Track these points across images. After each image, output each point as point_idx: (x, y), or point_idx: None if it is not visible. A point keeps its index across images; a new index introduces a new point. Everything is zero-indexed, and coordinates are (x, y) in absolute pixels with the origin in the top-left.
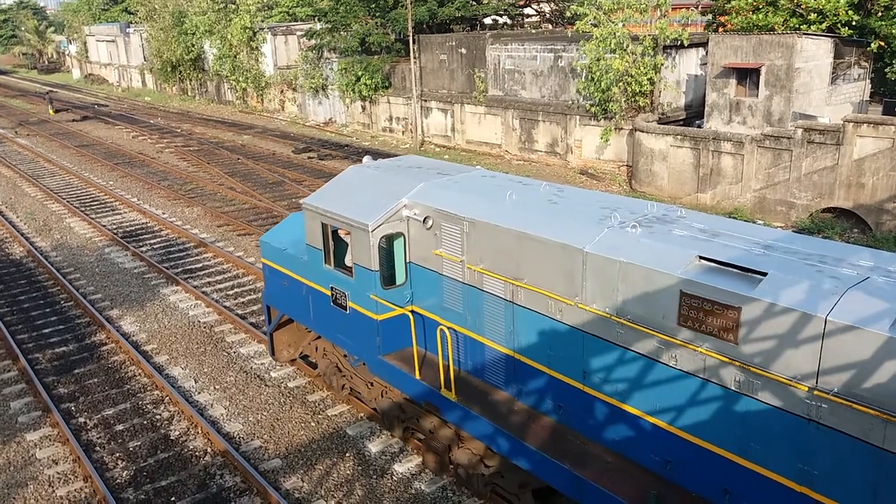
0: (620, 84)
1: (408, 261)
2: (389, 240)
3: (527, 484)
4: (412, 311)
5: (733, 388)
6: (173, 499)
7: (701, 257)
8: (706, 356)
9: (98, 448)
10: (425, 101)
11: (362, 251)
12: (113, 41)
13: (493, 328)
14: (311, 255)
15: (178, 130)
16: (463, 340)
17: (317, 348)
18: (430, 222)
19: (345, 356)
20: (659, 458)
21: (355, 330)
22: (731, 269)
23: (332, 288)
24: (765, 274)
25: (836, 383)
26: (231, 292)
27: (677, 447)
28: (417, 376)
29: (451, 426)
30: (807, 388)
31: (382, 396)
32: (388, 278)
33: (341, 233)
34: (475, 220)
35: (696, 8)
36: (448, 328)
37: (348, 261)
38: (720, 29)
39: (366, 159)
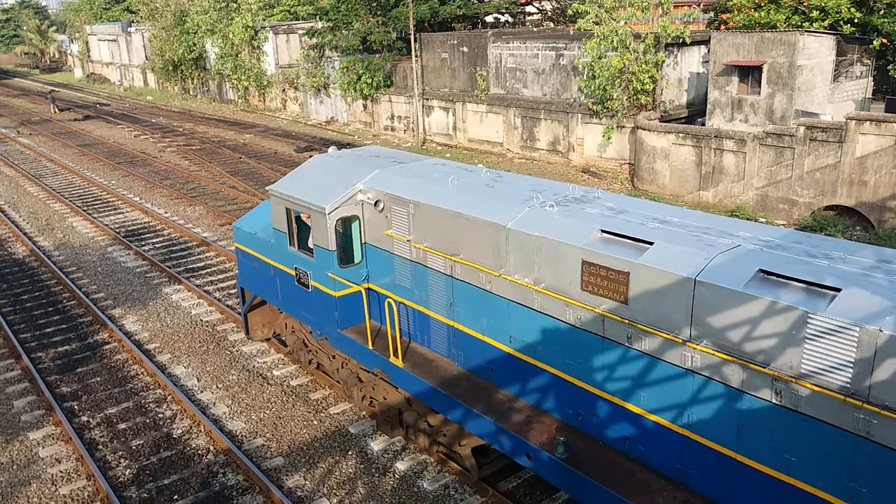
0: (620, 81)
1: (363, 242)
2: (346, 222)
3: (466, 441)
4: (368, 288)
5: (626, 344)
6: (176, 497)
7: (602, 230)
8: (604, 317)
9: (101, 447)
10: (427, 99)
11: (321, 233)
12: (115, 40)
13: (436, 301)
14: (278, 238)
15: (180, 129)
16: (412, 313)
17: (286, 326)
18: (381, 205)
19: (310, 332)
20: (571, 410)
21: (317, 306)
22: (625, 239)
23: (296, 268)
24: (652, 243)
25: (704, 335)
26: (233, 291)
27: (585, 400)
28: (370, 346)
29: (401, 391)
30: (682, 341)
31: (343, 367)
32: (345, 258)
33: (303, 216)
34: (419, 203)
35: (699, 5)
36: (398, 302)
37: (310, 242)
38: (722, 26)
39: (331, 149)
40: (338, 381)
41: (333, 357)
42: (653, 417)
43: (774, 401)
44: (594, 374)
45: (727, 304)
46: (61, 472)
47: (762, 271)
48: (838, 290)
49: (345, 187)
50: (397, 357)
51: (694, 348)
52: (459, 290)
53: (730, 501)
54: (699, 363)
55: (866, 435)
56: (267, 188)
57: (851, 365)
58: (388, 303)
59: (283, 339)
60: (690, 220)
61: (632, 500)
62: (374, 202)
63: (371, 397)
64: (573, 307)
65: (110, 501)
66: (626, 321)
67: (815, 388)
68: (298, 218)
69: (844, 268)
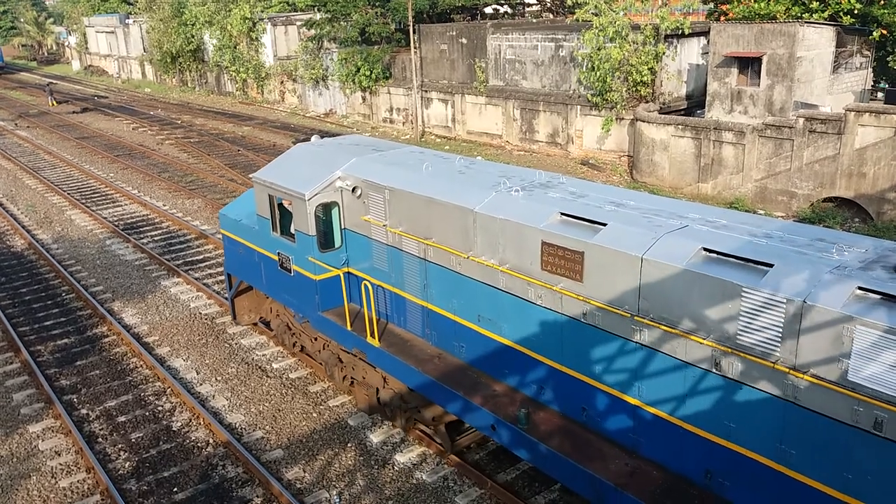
0: (620, 73)
1: (343, 227)
2: (326, 208)
3: (440, 417)
4: (347, 272)
5: (582, 319)
6: (175, 489)
7: (562, 213)
8: (561, 294)
9: (100, 439)
10: (426, 91)
11: (301, 218)
12: (112, 32)
13: (411, 283)
14: (261, 224)
15: (179, 122)
16: (389, 296)
17: (271, 310)
18: (358, 191)
19: (294, 316)
20: (535, 385)
21: (299, 290)
22: (582, 221)
23: (278, 253)
24: (605, 224)
25: (651, 310)
26: None
27: (547, 375)
28: (349, 328)
29: (378, 370)
30: (629, 315)
31: (324, 349)
32: (325, 242)
33: (285, 203)
34: (394, 189)
35: None
36: (375, 285)
37: (292, 228)
38: (722, 18)
39: (314, 138)
40: (320, 363)
41: (315, 339)
42: (607, 389)
43: (714, 371)
44: (554, 351)
45: (671, 280)
46: (61, 464)
47: (705, 249)
48: (771, 265)
49: (324, 174)
50: (374, 337)
51: (641, 322)
52: (432, 273)
53: (677, 466)
54: (646, 337)
55: (794, 400)
56: (250, 176)
57: (780, 335)
58: (365, 285)
59: (269, 323)
60: (646, 203)
61: (587, 467)
62: (351, 188)
63: (352, 377)
64: (534, 286)
65: (110, 494)
66: (582, 298)
67: (749, 358)
68: (281, 204)
69: (781, 245)
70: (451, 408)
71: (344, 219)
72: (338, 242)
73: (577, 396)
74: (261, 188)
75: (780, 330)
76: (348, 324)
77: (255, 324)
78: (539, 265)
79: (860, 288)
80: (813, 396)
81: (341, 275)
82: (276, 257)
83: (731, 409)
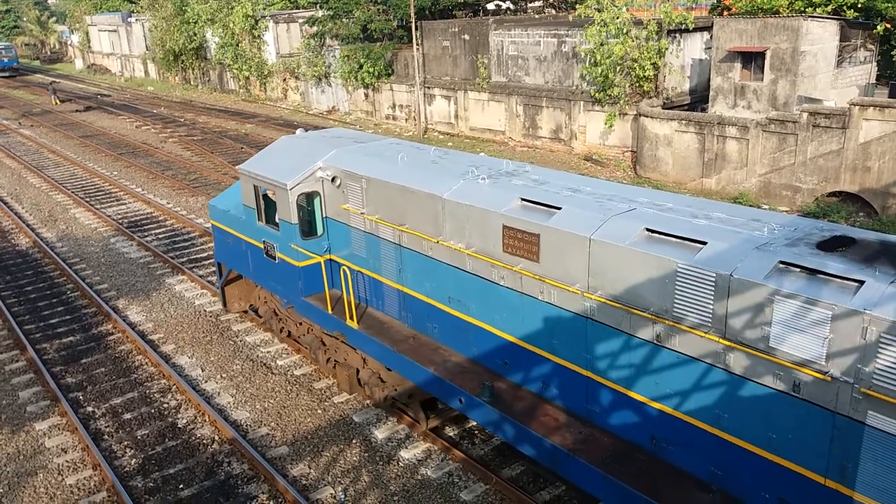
0: (622, 69)
1: (324, 216)
2: (309, 197)
3: (414, 395)
4: (329, 259)
5: (539, 298)
6: (181, 486)
7: (522, 199)
8: (521, 275)
9: (106, 437)
10: (428, 88)
11: (284, 208)
12: (115, 31)
13: (387, 268)
14: (248, 214)
15: (182, 120)
16: (368, 281)
17: (259, 297)
18: (337, 181)
19: (280, 302)
20: (499, 360)
21: (283, 277)
22: (540, 206)
23: (264, 241)
24: (560, 208)
25: (599, 287)
26: None
27: (510, 351)
28: (330, 311)
29: (358, 351)
30: (580, 292)
31: (308, 332)
32: (307, 231)
33: (269, 193)
34: (371, 178)
35: None
36: (355, 270)
37: (276, 217)
38: (725, 12)
39: (298, 131)
40: (306, 347)
41: (300, 324)
42: (563, 363)
43: (656, 342)
44: (515, 327)
45: (615, 258)
46: (67, 461)
47: (647, 229)
48: (705, 243)
49: (306, 165)
50: (353, 320)
51: (590, 298)
52: (406, 258)
53: (626, 434)
54: (595, 312)
55: (725, 367)
56: (237, 167)
57: (711, 306)
58: (344, 270)
59: (258, 311)
60: (601, 189)
61: (545, 436)
62: (331, 178)
63: (334, 360)
64: (497, 267)
65: (116, 491)
66: (538, 277)
67: (685, 329)
68: (266, 195)
69: (717, 225)
70: (424, 385)
71: (325, 208)
72: (320, 230)
73: (538, 371)
74: (246, 179)
75: (711, 302)
76: (329, 308)
77: (246, 311)
78: (501, 248)
79: (782, 262)
80: (741, 363)
81: (322, 262)
82: (261, 245)
83: (670, 379)
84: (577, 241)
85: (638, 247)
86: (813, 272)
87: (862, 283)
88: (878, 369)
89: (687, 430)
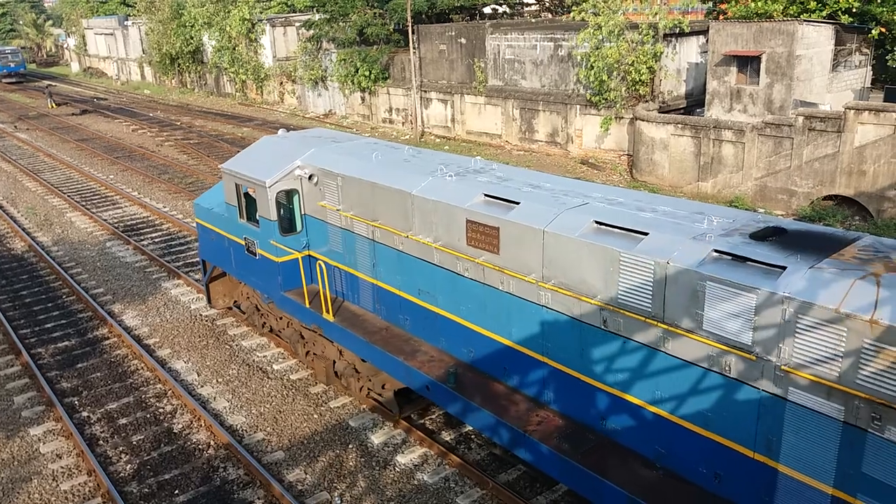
0: (618, 72)
1: (303, 213)
2: (288, 195)
3: (388, 385)
4: (308, 255)
5: (500, 288)
6: (177, 492)
7: (485, 194)
8: (483, 266)
9: (101, 442)
10: (425, 91)
11: (264, 205)
12: (111, 34)
13: (362, 263)
14: (230, 211)
15: (178, 123)
16: (345, 276)
17: (242, 293)
18: (315, 179)
19: (261, 297)
20: (465, 349)
21: (263, 272)
22: (501, 201)
23: (245, 238)
24: (519, 203)
25: (552, 276)
26: None
27: (474, 339)
28: (307, 305)
29: (334, 343)
30: (535, 282)
31: (288, 326)
32: (286, 227)
33: (250, 190)
34: (345, 175)
35: None
36: (332, 265)
37: (257, 215)
38: (720, 16)
39: (280, 131)
40: (286, 340)
41: (280, 318)
42: (520, 349)
43: (603, 327)
44: (478, 317)
45: (566, 249)
46: (62, 467)
47: (596, 222)
48: (647, 233)
49: (285, 164)
50: (329, 313)
51: (544, 287)
52: (380, 252)
53: (578, 415)
54: (549, 300)
55: (664, 350)
56: (220, 166)
57: (651, 292)
58: (319, 265)
59: (241, 306)
60: (559, 185)
61: (503, 418)
62: (308, 176)
63: (312, 353)
64: (461, 260)
65: (111, 497)
66: (498, 269)
67: (628, 314)
68: (247, 193)
69: (661, 218)
70: (395, 374)
71: (304, 205)
72: (299, 227)
73: (499, 358)
74: (228, 177)
75: (651, 288)
76: (307, 301)
77: (230, 308)
78: (465, 241)
79: (716, 251)
80: (678, 346)
81: (300, 257)
82: (243, 242)
83: (616, 361)
84: (532, 233)
85: (586, 238)
86: (742, 259)
87: (784, 268)
88: (797, 348)
89: (632, 410)
